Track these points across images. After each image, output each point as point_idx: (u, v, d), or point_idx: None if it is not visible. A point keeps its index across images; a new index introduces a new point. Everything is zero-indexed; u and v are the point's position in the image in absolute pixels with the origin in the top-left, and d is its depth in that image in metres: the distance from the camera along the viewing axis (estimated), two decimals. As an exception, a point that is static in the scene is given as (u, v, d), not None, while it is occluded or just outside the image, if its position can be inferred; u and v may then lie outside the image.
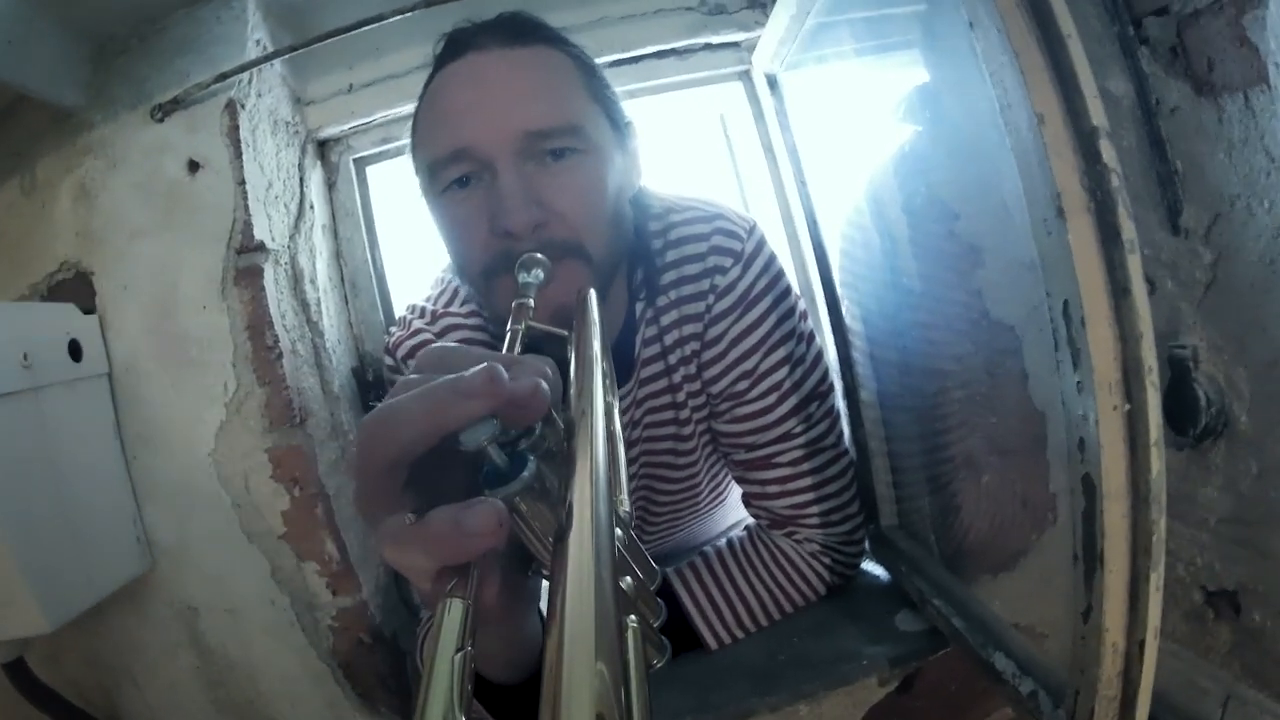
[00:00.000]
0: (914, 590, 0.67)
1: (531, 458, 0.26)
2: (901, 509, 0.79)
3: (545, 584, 0.32)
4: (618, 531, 0.25)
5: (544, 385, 0.27)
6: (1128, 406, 0.30)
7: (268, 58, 0.66)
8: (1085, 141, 0.26)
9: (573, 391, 0.31)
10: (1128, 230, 0.27)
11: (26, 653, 0.61)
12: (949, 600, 0.61)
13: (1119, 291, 0.28)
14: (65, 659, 0.72)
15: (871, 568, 0.79)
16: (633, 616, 0.22)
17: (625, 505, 0.29)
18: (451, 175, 0.52)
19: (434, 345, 0.32)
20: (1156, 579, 0.33)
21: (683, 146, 1.32)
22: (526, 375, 0.27)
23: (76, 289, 0.70)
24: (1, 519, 0.51)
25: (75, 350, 0.64)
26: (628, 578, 0.28)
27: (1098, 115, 0.26)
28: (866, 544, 0.76)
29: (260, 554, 0.70)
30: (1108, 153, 0.26)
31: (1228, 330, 0.44)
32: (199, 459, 0.70)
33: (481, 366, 0.25)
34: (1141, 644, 0.33)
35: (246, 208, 0.69)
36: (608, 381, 0.35)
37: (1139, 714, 0.34)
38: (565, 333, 0.41)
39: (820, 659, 0.66)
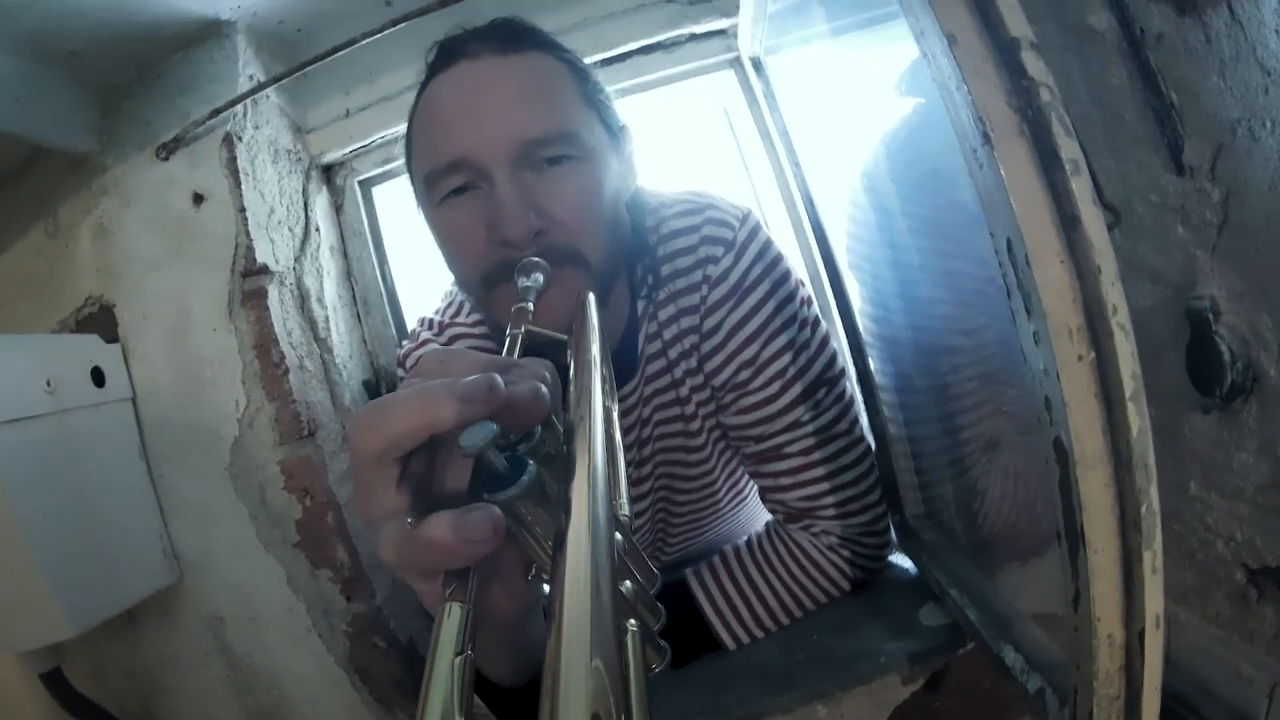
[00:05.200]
0: (934, 582, 0.63)
1: (531, 462, 0.26)
2: (926, 496, 0.75)
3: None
4: (617, 536, 0.25)
5: (543, 389, 0.27)
6: (1093, 355, 0.27)
7: (255, 90, 0.70)
8: (1006, 55, 0.24)
9: (571, 396, 0.31)
10: (1068, 149, 0.24)
11: (64, 664, 0.65)
12: (965, 591, 0.57)
13: (1067, 221, 0.25)
14: (108, 672, 0.77)
15: (900, 560, 0.74)
16: (633, 621, 0.22)
17: (624, 509, 0.29)
18: (449, 186, 0.52)
19: (435, 349, 0.32)
20: (1152, 557, 0.29)
21: (689, 139, 1.31)
22: (526, 380, 0.27)
23: (102, 321, 0.75)
24: (27, 532, 0.54)
25: (98, 376, 0.68)
26: (627, 582, 0.28)
27: (1016, 25, 0.23)
28: (893, 535, 0.72)
29: (277, 563, 0.73)
30: (1033, 65, 0.23)
31: (1247, 274, 0.40)
32: (217, 473, 0.73)
33: (481, 375, 0.25)
34: (1141, 634, 0.29)
35: (248, 233, 0.72)
36: (606, 386, 0.35)
37: (1145, 714, 0.30)
38: (565, 337, 0.41)
39: (837, 657, 0.63)
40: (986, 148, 0.25)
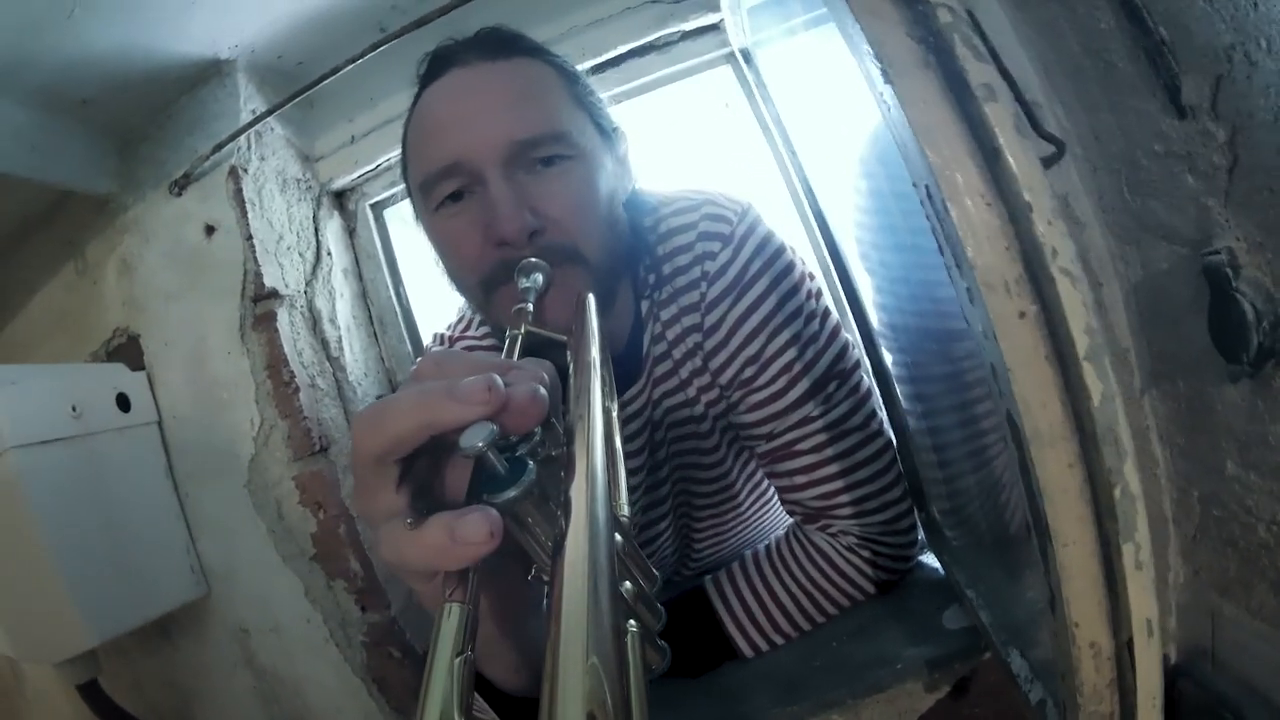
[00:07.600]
0: (955, 583, 0.59)
1: (531, 463, 0.26)
2: (950, 491, 0.70)
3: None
4: (616, 537, 0.25)
5: (542, 391, 0.27)
6: (1036, 309, 0.24)
7: (252, 123, 0.74)
8: (897, -14, 0.21)
9: (570, 397, 0.31)
10: (978, 73, 0.21)
11: (102, 676, 0.68)
12: (983, 592, 0.52)
13: (988, 155, 0.22)
14: (145, 684, 0.81)
15: (930, 559, 0.70)
16: (632, 621, 0.22)
17: (624, 510, 0.29)
18: (444, 191, 0.53)
19: (434, 351, 0.32)
20: (1134, 551, 0.25)
21: (697, 138, 1.29)
22: (524, 381, 0.27)
23: (130, 351, 0.80)
24: (52, 547, 0.58)
25: (124, 402, 0.73)
26: (627, 583, 0.27)
27: (903, -44, 0.21)
28: (920, 533, 0.67)
29: (295, 575, 0.75)
30: (928, -8, 0.21)
31: (1265, 220, 0.35)
32: (237, 490, 0.77)
33: (480, 376, 0.26)
34: (1130, 644, 0.25)
35: (256, 260, 0.76)
36: (606, 387, 0.35)
37: (1145, 732, 0.26)
38: (565, 339, 0.41)
39: (854, 664, 0.59)
40: (889, 86, 0.22)
